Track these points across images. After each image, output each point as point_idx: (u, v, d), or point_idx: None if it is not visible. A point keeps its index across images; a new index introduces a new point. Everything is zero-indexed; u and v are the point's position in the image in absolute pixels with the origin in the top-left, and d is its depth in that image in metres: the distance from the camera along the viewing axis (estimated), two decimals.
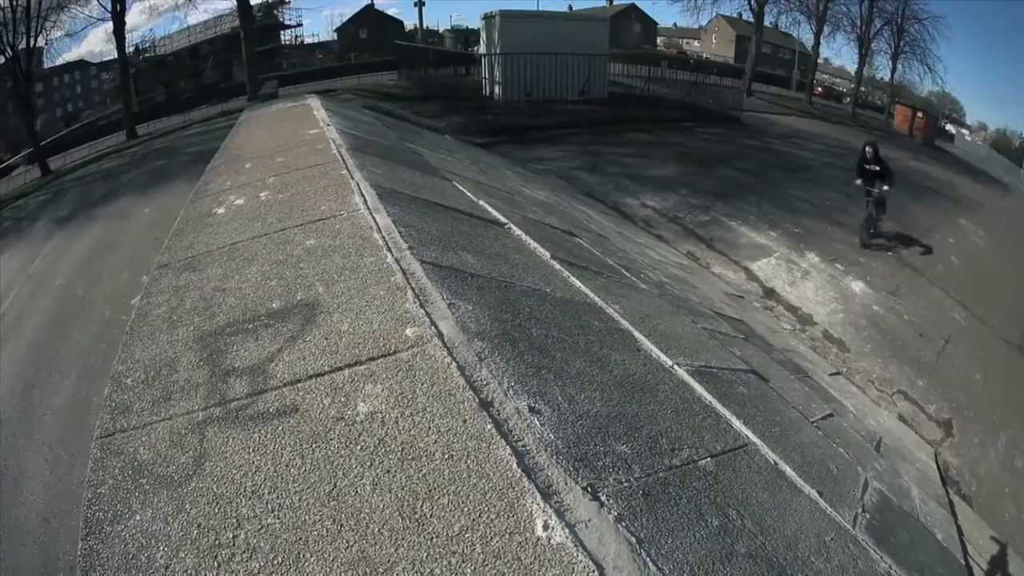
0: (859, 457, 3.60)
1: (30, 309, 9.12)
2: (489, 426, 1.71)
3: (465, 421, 1.74)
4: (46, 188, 19.27)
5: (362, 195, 3.91)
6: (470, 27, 32.81)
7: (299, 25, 33.23)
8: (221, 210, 4.20)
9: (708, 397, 2.58)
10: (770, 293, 8.45)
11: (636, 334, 2.98)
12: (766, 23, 28.04)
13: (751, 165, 14.48)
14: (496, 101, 19.30)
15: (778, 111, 24.26)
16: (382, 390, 1.90)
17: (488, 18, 19.96)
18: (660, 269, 6.33)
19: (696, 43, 33.58)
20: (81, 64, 30.43)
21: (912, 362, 7.32)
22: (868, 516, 2.67)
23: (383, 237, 3.08)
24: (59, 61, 27.84)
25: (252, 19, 25.42)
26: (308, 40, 34.36)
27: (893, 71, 28.84)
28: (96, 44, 32.95)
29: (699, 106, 20.71)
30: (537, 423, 1.76)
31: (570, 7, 34.41)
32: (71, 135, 26.78)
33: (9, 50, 22.15)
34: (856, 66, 29.30)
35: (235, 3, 24.03)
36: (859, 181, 10.38)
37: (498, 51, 19.20)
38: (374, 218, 3.41)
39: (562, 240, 4.99)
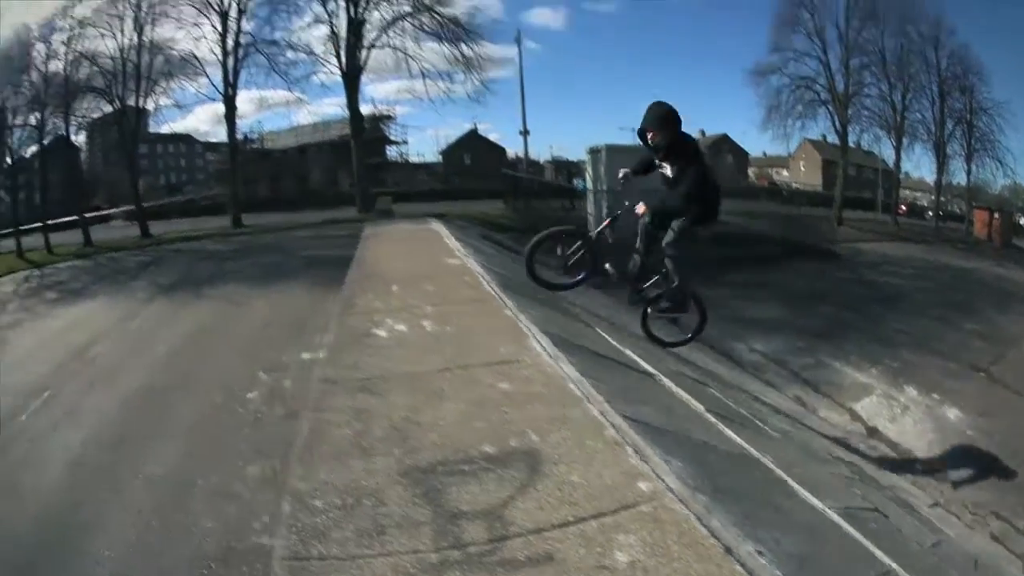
0: None
1: (128, 364, 8.93)
2: (737, 567, 1.94)
3: (719, 565, 1.95)
4: (148, 250, 20.14)
5: (537, 340, 4.41)
6: (570, 159, 33.02)
7: (405, 142, 31.50)
8: (383, 333, 4.56)
9: (855, 534, 3.23)
10: (873, 432, 8.90)
11: (790, 482, 3.77)
12: (849, 142, 28.31)
13: (847, 300, 14.98)
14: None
15: (867, 238, 24.45)
16: (635, 540, 2.04)
17: (594, 152, 19.63)
18: (779, 416, 7.12)
19: (785, 172, 33.48)
20: (187, 138, 30.08)
21: (1003, 482, 7.57)
22: None
23: (578, 388, 3.51)
24: (164, 129, 27.27)
25: (363, 129, 25.65)
26: (413, 159, 32.98)
27: (969, 172, 27.95)
28: (203, 122, 32.00)
29: (795, 241, 20.84)
30: (765, 563, 2.07)
31: None
32: (174, 206, 27.17)
33: (117, 101, 22.84)
34: (935, 176, 28.82)
35: (347, 111, 24.52)
36: (624, 174, 5.65)
37: (604, 187, 18.54)
38: (560, 367, 3.87)
39: (701, 391, 5.80)
